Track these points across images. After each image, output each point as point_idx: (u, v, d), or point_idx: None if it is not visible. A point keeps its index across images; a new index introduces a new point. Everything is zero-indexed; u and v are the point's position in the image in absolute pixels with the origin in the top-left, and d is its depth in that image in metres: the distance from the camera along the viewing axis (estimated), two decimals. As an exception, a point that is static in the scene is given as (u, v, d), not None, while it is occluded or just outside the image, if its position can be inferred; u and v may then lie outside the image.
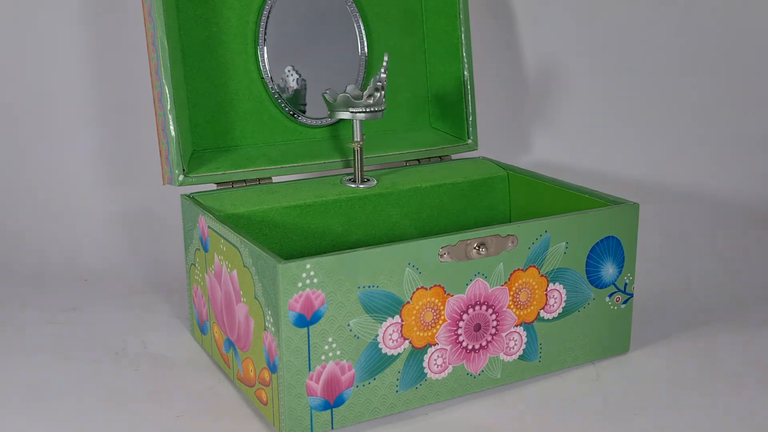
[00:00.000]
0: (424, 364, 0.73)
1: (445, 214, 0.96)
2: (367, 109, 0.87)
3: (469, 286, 0.74)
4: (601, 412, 0.74)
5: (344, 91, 0.89)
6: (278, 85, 0.88)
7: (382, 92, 0.88)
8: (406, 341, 0.72)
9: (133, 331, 0.91)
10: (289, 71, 0.89)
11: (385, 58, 0.88)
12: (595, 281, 0.81)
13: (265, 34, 0.93)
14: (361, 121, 0.90)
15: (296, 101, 0.95)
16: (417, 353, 0.73)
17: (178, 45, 0.88)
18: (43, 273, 1.06)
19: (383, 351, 0.71)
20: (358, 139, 0.90)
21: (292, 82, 0.90)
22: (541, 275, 0.78)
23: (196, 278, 0.85)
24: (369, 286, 0.69)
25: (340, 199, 0.90)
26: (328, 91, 0.90)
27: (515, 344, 0.78)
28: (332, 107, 0.89)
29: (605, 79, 1.19)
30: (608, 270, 0.82)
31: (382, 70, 0.88)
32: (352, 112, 0.88)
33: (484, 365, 0.77)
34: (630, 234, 0.82)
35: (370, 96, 0.87)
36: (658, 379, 0.80)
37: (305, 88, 0.95)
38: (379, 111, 0.88)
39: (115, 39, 1.09)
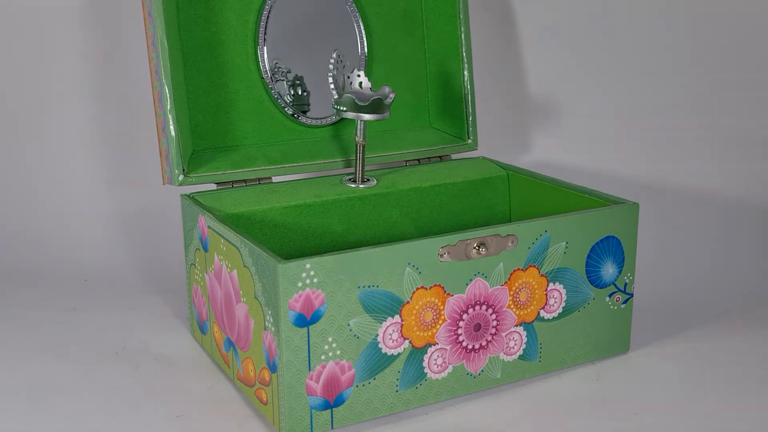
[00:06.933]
0: (424, 364, 0.73)
1: (445, 214, 0.96)
2: (372, 112, 0.87)
3: (469, 286, 0.74)
4: (601, 412, 0.74)
5: (350, 86, 0.88)
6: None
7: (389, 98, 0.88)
8: (406, 341, 0.72)
9: (133, 331, 0.91)
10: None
11: (390, 95, 0.88)
12: (595, 281, 0.81)
13: (265, 34, 0.93)
14: (365, 121, 0.90)
15: (297, 101, 0.95)
16: (417, 353, 0.73)
17: (178, 45, 0.88)
18: (42, 273, 1.06)
19: (383, 351, 0.71)
20: (361, 139, 0.90)
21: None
22: (541, 275, 0.78)
23: (196, 278, 0.85)
24: (369, 286, 0.69)
25: (340, 199, 0.89)
26: (334, 76, 0.89)
27: (515, 344, 0.78)
28: (339, 103, 0.88)
29: (605, 78, 1.19)
30: (608, 270, 0.82)
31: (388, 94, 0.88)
32: (356, 111, 0.87)
33: (484, 365, 0.77)
34: (630, 234, 0.82)
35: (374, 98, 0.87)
36: (658, 379, 0.80)
37: (305, 89, 0.95)
38: (385, 113, 0.88)
39: (115, 39, 1.09)
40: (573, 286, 0.80)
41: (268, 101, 0.94)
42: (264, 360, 0.71)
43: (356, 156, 0.91)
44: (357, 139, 0.90)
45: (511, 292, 0.76)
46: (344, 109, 0.87)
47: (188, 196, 0.86)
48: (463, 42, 1.00)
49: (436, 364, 0.74)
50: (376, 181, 0.93)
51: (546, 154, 1.20)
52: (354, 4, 0.98)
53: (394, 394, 0.73)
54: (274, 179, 0.96)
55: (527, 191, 0.96)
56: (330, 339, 0.68)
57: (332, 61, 0.88)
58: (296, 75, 0.95)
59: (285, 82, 0.94)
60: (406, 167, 0.99)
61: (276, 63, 0.92)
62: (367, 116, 0.87)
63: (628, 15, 1.18)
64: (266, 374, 0.71)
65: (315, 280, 0.67)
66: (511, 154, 1.18)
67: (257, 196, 0.87)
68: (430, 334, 0.73)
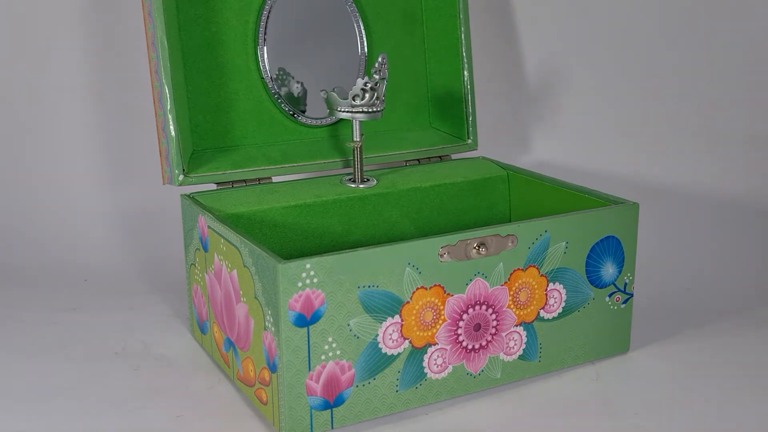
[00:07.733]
0: (424, 364, 0.73)
1: (445, 214, 0.96)
2: (365, 109, 0.87)
3: (469, 286, 0.74)
4: (601, 412, 0.74)
5: (336, 89, 0.89)
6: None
7: (375, 92, 0.87)
8: (406, 341, 0.72)
9: (133, 331, 0.91)
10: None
11: (380, 59, 0.88)
12: (595, 281, 0.81)
13: (265, 34, 0.93)
14: (360, 121, 0.90)
15: (296, 101, 0.95)
16: (417, 353, 0.73)
17: (178, 45, 0.88)
18: (42, 273, 1.06)
19: (383, 351, 0.71)
20: (357, 139, 0.90)
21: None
22: (541, 275, 0.78)
23: (196, 278, 0.85)
24: (369, 286, 0.69)
25: (340, 199, 0.90)
26: (329, 90, 0.90)
27: (515, 344, 0.78)
28: (331, 105, 0.89)
29: (605, 78, 1.19)
30: (608, 270, 0.82)
31: (374, 71, 0.88)
32: (350, 112, 0.88)
33: (484, 365, 0.77)
34: (630, 234, 0.82)
35: (356, 96, 0.87)
36: (658, 379, 0.80)
37: (305, 88, 0.95)
38: (378, 111, 0.88)
39: (115, 39, 1.09)
40: (573, 286, 0.80)
41: (268, 101, 0.94)
42: (264, 360, 0.71)
43: (354, 157, 0.91)
44: (354, 139, 0.90)
45: (511, 292, 0.76)
46: (340, 109, 0.88)
47: (188, 196, 0.86)
48: (463, 42, 1.00)
49: (436, 364, 0.74)
50: (376, 181, 0.93)
51: (546, 154, 1.20)
52: (354, 4, 0.98)
53: (394, 394, 0.73)
54: (274, 179, 0.96)
55: (527, 191, 0.96)
56: (330, 339, 0.68)
57: (376, 65, 0.88)
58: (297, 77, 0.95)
59: (293, 82, 0.94)
60: (406, 167, 0.99)
61: (281, 71, 0.93)
62: (361, 116, 0.87)
63: (628, 15, 1.18)
64: (266, 374, 0.71)
65: (315, 280, 0.67)
66: (511, 154, 1.18)
67: (257, 196, 0.87)
68: (430, 334, 0.73)
